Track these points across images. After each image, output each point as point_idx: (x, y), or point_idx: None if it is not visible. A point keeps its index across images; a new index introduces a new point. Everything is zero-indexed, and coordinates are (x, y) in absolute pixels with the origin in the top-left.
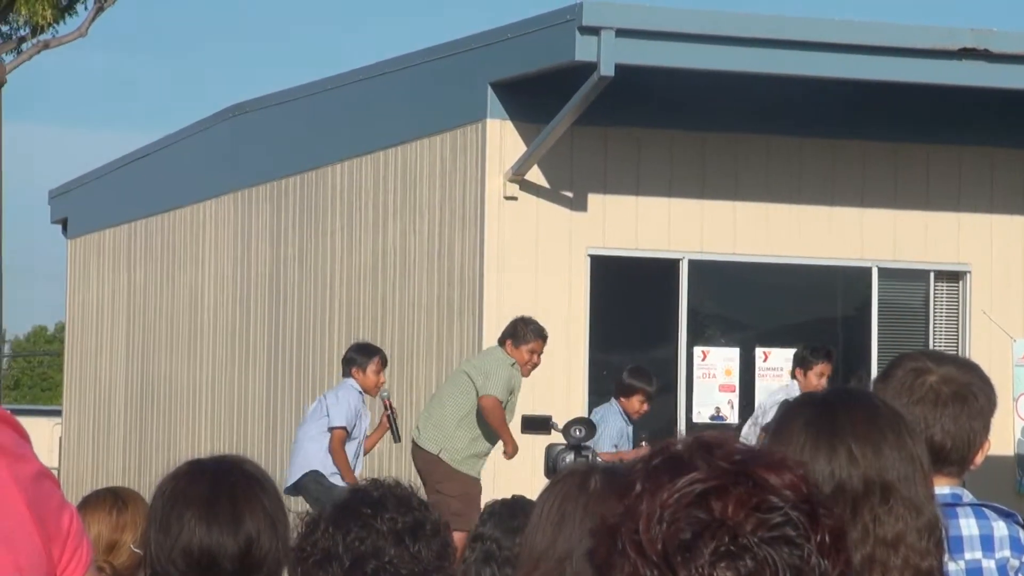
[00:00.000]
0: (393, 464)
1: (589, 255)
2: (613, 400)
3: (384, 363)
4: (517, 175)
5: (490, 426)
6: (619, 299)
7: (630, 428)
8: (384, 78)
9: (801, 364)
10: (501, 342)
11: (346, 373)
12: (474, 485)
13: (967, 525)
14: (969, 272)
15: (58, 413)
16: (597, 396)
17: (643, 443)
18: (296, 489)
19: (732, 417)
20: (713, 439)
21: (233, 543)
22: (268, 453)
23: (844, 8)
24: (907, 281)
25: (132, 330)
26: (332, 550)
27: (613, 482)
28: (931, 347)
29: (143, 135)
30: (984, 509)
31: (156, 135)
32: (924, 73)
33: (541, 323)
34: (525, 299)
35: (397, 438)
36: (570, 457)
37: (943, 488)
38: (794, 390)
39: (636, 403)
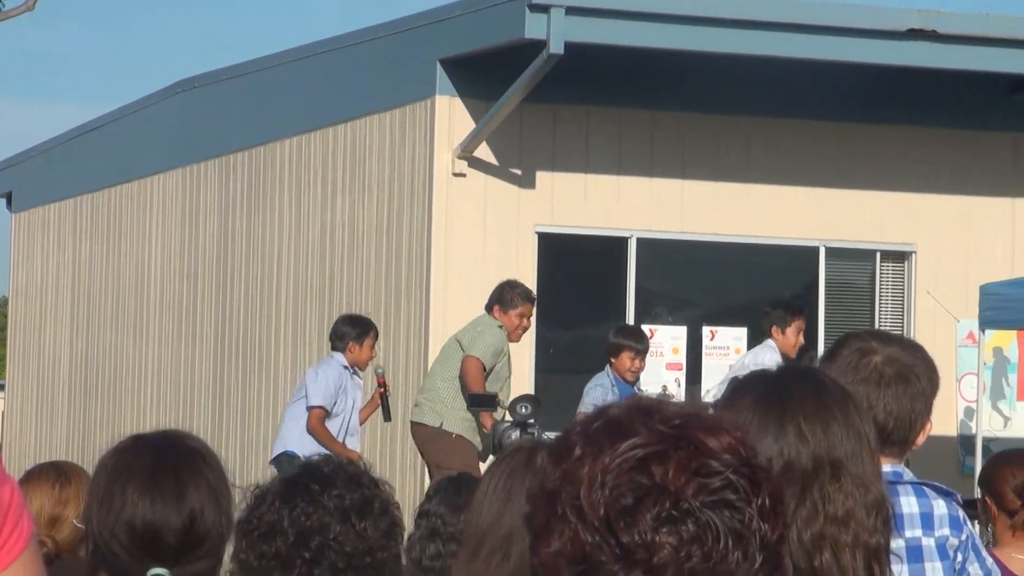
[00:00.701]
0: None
1: (537, 232)
2: (607, 366)
3: (377, 337)
4: (466, 152)
5: (464, 383)
6: (567, 277)
7: (615, 392)
8: (333, 54)
9: (779, 323)
10: (488, 308)
11: (336, 347)
12: (475, 455)
13: (907, 503)
14: (914, 252)
15: (0, 387)
16: (544, 373)
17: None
18: (275, 467)
19: (679, 395)
20: (651, 403)
21: (176, 518)
22: (214, 428)
23: None
24: (854, 261)
25: (77, 305)
26: (277, 524)
27: None
28: (877, 327)
29: (90, 109)
30: (924, 488)
31: (104, 109)
32: (872, 53)
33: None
34: (473, 276)
35: (387, 417)
36: (516, 434)
37: (884, 466)
38: (773, 348)
39: (626, 361)
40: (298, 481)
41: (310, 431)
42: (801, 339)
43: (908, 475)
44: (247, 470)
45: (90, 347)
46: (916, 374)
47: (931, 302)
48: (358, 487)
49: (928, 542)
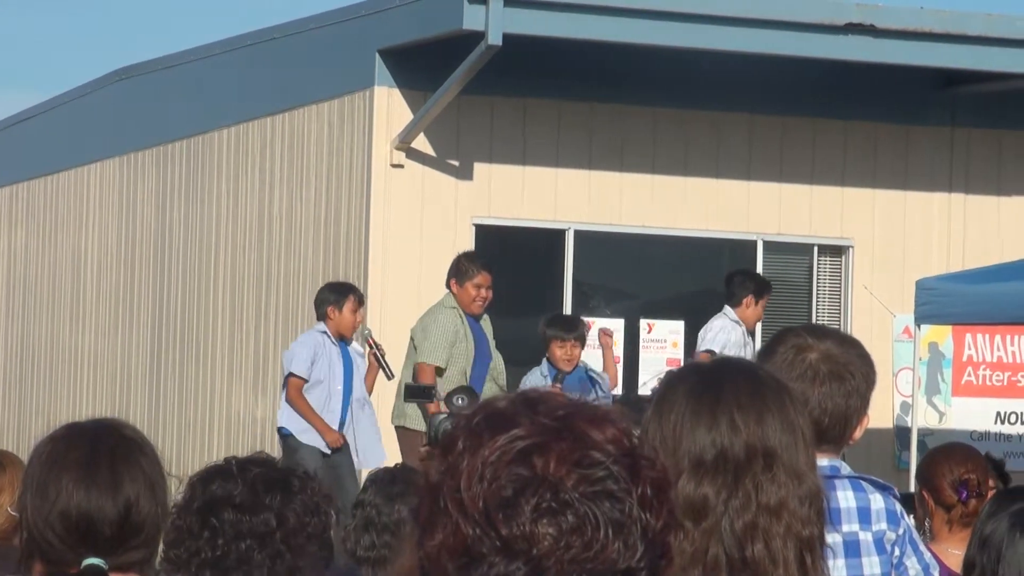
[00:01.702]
0: None
1: (474, 224)
2: (544, 359)
3: (360, 302)
4: (404, 143)
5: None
6: (504, 269)
7: (547, 382)
8: (272, 43)
9: (756, 294)
10: (447, 283)
11: (320, 316)
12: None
13: (845, 497)
14: (852, 247)
15: None
16: None
17: None
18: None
19: (616, 387)
20: (537, 395)
21: (112, 507)
22: (151, 416)
23: None
24: (791, 255)
25: (12, 293)
26: (189, 502)
27: None
28: (814, 321)
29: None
30: (861, 482)
31: (40, 98)
32: (810, 47)
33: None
34: (410, 267)
35: (389, 375)
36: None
37: (822, 461)
38: (734, 318)
39: (556, 351)
40: (222, 466)
41: (288, 401)
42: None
43: (846, 469)
44: (184, 458)
45: (26, 335)
46: (851, 371)
47: (867, 296)
48: (275, 467)
49: (865, 536)
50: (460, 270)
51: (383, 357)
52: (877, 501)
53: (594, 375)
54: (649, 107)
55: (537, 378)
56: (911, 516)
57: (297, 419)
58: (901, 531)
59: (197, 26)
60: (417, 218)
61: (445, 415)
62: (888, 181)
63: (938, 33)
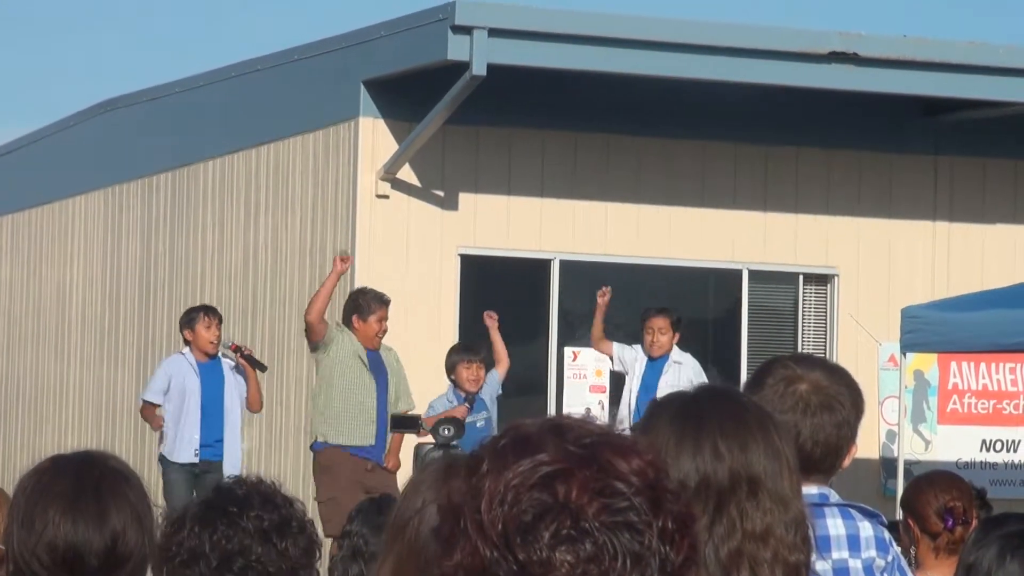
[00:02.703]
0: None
1: (460, 254)
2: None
3: (216, 318)
4: (389, 173)
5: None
6: (490, 299)
7: (455, 403)
8: (257, 75)
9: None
10: (347, 321)
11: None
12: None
13: (834, 525)
14: (837, 275)
15: None
16: None
17: None
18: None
19: (603, 418)
20: (565, 421)
21: (99, 539)
22: (137, 451)
23: (714, 10)
24: (776, 284)
25: None
26: (198, 549)
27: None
28: (800, 350)
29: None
30: (850, 510)
31: (25, 130)
32: (793, 76)
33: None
34: (396, 298)
35: (262, 368)
36: (437, 455)
37: (811, 488)
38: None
39: (463, 372)
40: (215, 505)
41: (146, 419)
42: (661, 339)
43: (835, 497)
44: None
45: (10, 368)
46: (841, 401)
47: (853, 325)
48: (274, 507)
49: (855, 564)
50: (360, 307)
51: (252, 355)
52: (866, 529)
53: (483, 396)
54: (634, 136)
55: (443, 402)
56: (898, 544)
57: (168, 440)
58: (890, 558)
59: (182, 58)
60: (402, 248)
61: (432, 445)
62: (872, 210)
63: (920, 61)
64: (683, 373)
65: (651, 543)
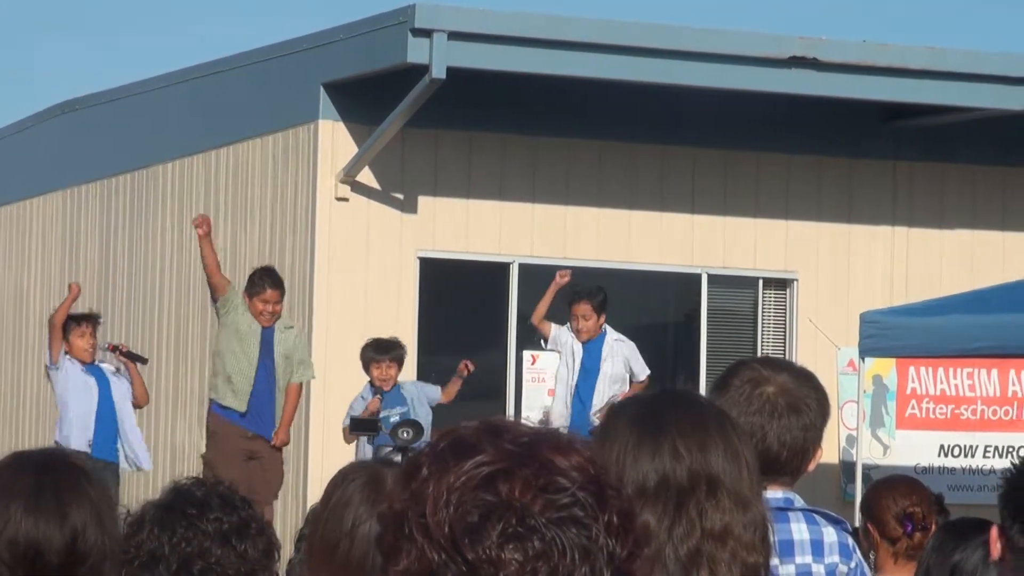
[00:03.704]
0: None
1: (419, 257)
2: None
3: (92, 325)
4: (348, 176)
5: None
6: (449, 302)
7: (369, 398)
8: (216, 77)
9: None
10: (241, 294)
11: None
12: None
13: (798, 530)
14: (796, 280)
15: None
16: None
17: None
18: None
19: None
20: (500, 422)
21: (59, 535)
22: None
23: (674, 14)
24: (736, 288)
25: None
26: (158, 552)
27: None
28: (759, 354)
29: None
30: (815, 515)
31: None
32: (754, 80)
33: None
34: (355, 300)
35: (143, 360)
36: (398, 459)
37: (776, 492)
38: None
39: (373, 371)
40: (174, 507)
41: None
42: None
43: (799, 502)
44: (128, 491)
45: None
46: (807, 404)
47: (812, 329)
48: (233, 509)
49: (818, 568)
50: (251, 283)
51: (128, 352)
52: (830, 534)
53: (406, 393)
54: (594, 140)
55: (360, 402)
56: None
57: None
58: (853, 564)
59: (142, 61)
60: (362, 251)
61: (390, 448)
62: (832, 214)
63: (881, 67)
64: (622, 351)
65: (598, 537)
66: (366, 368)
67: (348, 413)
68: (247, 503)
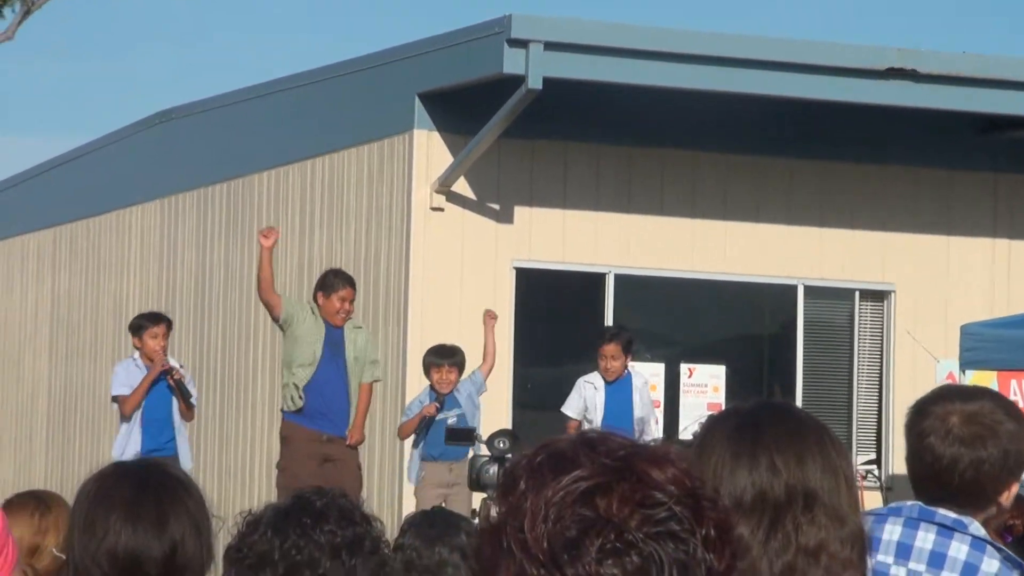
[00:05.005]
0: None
1: (515, 267)
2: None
3: (166, 326)
4: (443, 186)
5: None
6: (544, 312)
7: (428, 401)
8: (313, 87)
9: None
10: (314, 297)
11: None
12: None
13: (924, 538)
14: (893, 292)
15: None
16: (522, 408)
17: None
18: None
19: (656, 432)
20: (596, 436)
21: (158, 546)
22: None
23: (773, 26)
24: (832, 299)
25: (55, 336)
26: (268, 555)
27: None
28: (855, 367)
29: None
30: (987, 546)
31: (82, 140)
32: (851, 92)
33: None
34: (450, 309)
35: (189, 397)
36: (493, 469)
37: (950, 513)
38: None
39: (433, 375)
40: (291, 513)
41: (124, 420)
42: (612, 364)
43: (975, 528)
44: (225, 499)
45: (69, 379)
46: (1001, 434)
47: (910, 342)
48: (350, 524)
49: None
50: (325, 283)
51: (183, 384)
52: (992, 567)
53: (460, 395)
54: (689, 151)
55: (416, 404)
56: None
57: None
58: None
59: (237, 71)
60: (457, 262)
61: (487, 458)
62: (931, 226)
63: (979, 78)
64: (646, 401)
65: (696, 551)
66: (426, 372)
67: (406, 412)
68: (367, 519)
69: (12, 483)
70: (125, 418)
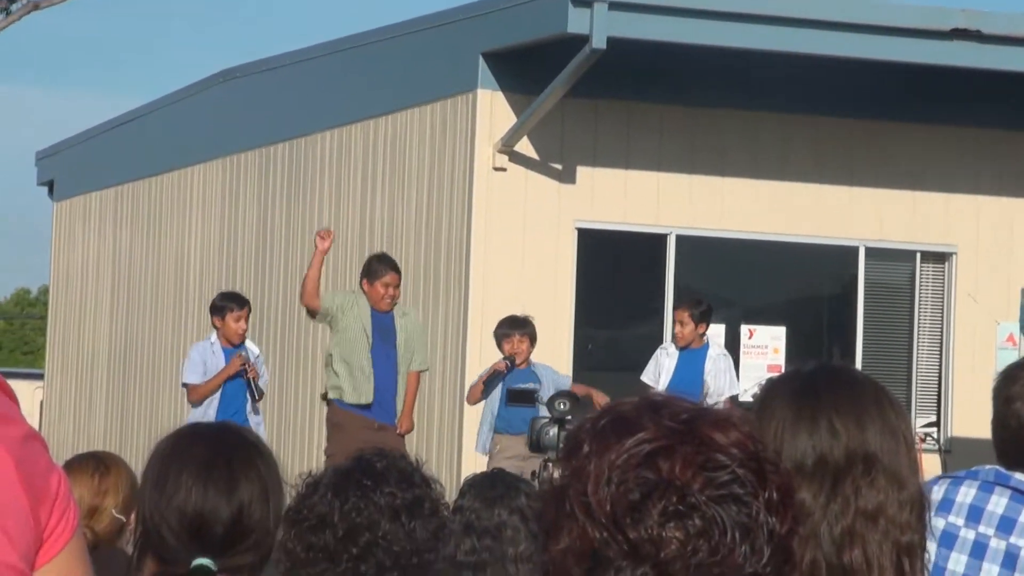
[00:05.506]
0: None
1: (577, 228)
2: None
3: (247, 310)
4: (506, 146)
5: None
6: (606, 273)
7: (501, 360)
8: (375, 46)
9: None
10: (360, 283)
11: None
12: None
13: (997, 503)
14: (955, 253)
15: (40, 377)
16: (582, 369)
17: None
18: None
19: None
20: (660, 399)
21: (226, 508)
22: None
23: None
24: (893, 261)
25: (116, 294)
26: (328, 517)
27: None
28: (916, 328)
29: (131, 99)
30: None
31: (144, 99)
32: (915, 53)
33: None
34: (512, 270)
35: (257, 393)
36: (553, 430)
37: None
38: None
39: (505, 347)
40: (351, 475)
41: (193, 404)
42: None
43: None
44: (282, 463)
45: (129, 337)
46: None
47: (970, 303)
48: (410, 486)
49: (998, 544)
50: (371, 270)
51: (256, 381)
52: None
53: (538, 372)
54: (751, 111)
55: (486, 372)
56: None
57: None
58: None
59: (300, 30)
60: (519, 222)
61: (547, 419)
62: (993, 187)
63: None
64: (720, 370)
65: (758, 514)
66: (499, 345)
67: (479, 376)
68: (427, 481)
69: (72, 442)
70: (195, 404)
